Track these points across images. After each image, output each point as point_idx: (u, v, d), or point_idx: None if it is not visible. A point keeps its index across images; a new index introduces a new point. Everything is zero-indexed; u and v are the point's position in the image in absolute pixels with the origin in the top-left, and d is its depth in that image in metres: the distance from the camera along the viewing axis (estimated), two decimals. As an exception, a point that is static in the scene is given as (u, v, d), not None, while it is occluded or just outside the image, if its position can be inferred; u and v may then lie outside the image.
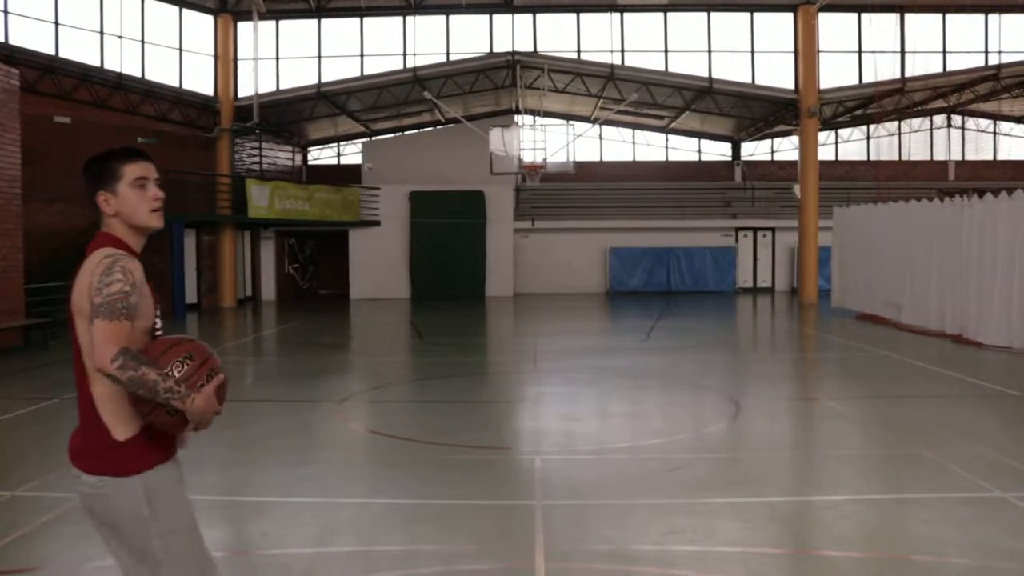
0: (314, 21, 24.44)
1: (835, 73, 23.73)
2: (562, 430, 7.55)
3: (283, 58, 24.57)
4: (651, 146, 29.84)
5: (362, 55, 24.56)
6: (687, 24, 24.34)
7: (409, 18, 24.31)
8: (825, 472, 6.22)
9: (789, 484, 5.93)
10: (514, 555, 4.41)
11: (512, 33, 24.49)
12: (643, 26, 24.46)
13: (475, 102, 26.76)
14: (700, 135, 29.60)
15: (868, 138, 29.43)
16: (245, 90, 23.48)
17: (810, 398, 9.50)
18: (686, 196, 27.84)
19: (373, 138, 29.27)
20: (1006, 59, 23.20)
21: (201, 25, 22.95)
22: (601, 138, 29.61)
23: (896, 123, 28.69)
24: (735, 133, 28.61)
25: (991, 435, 7.03)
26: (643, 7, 24.10)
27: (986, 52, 24.33)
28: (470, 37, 24.68)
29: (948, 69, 23.82)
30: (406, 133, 29.04)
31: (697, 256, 26.32)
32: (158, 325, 2.49)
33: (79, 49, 19.50)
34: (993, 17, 24.56)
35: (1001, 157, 29.56)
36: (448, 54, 24.24)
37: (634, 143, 29.78)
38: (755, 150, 29.62)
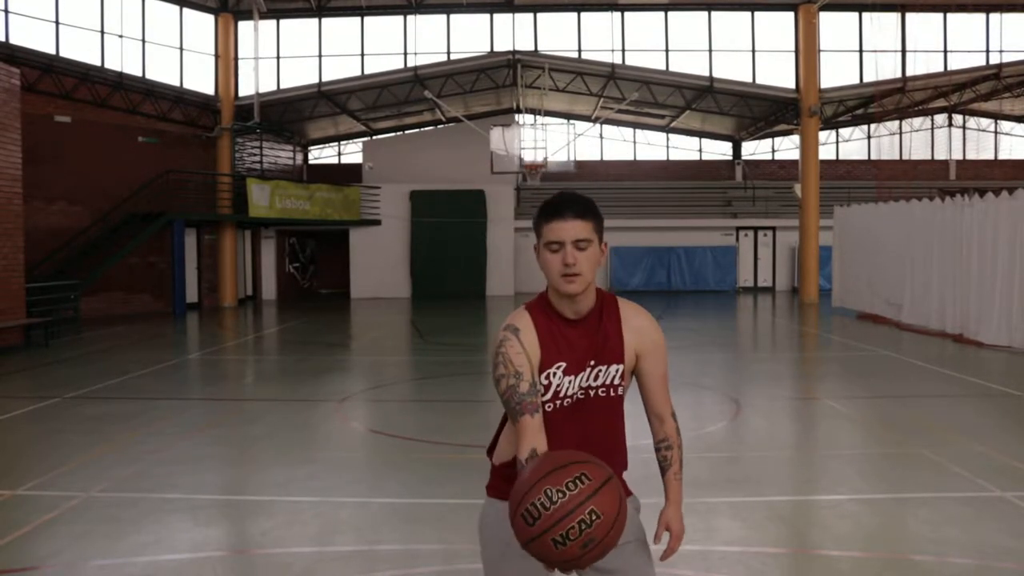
0: (315, 20, 24.45)
1: (836, 72, 23.73)
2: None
3: (284, 57, 24.59)
4: (652, 145, 29.84)
5: (363, 54, 24.57)
6: (688, 23, 24.34)
7: (410, 17, 24.32)
8: (825, 471, 6.21)
9: (789, 483, 5.92)
10: (514, 554, 4.40)
11: (513, 32, 24.49)
12: (644, 25, 24.45)
13: (476, 101, 26.75)
14: (701, 134, 29.60)
15: (869, 137, 29.42)
16: (246, 89, 23.50)
17: (810, 397, 9.49)
18: (687, 195, 27.85)
19: (374, 137, 29.28)
20: (1007, 58, 23.21)
21: (202, 24, 22.96)
22: (602, 137, 29.61)
23: (897, 122, 28.69)
24: (736, 132, 28.61)
25: (992, 434, 7.02)
26: (644, 6, 24.09)
27: (987, 51, 24.33)
28: (471, 36, 24.69)
29: (949, 68, 23.83)
30: (407, 132, 29.04)
31: (698, 255, 26.31)
32: (547, 393, 2.26)
33: (80, 48, 19.52)
34: (994, 16, 24.55)
35: (1002, 156, 29.56)
36: (449, 53, 24.25)
37: (635, 142, 29.78)
38: (756, 149, 29.62)
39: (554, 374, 2.26)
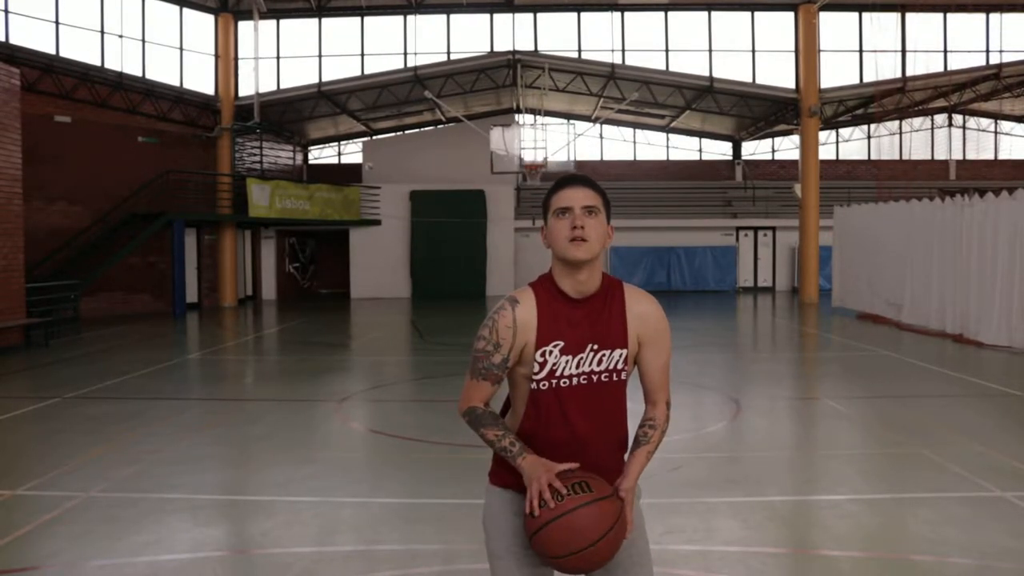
0: (315, 20, 24.46)
1: (836, 72, 23.73)
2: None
3: (284, 57, 24.59)
4: (652, 145, 29.84)
5: (363, 54, 24.57)
6: (688, 23, 24.35)
7: (410, 17, 24.32)
8: (825, 471, 6.22)
9: (789, 483, 5.92)
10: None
11: (513, 32, 24.50)
12: (644, 25, 24.46)
13: (476, 101, 26.76)
14: (701, 134, 29.60)
15: (869, 137, 29.42)
16: (246, 89, 23.50)
17: (810, 397, 9.50)
18: (687, 195, 27.84)
19: (374, 137, 29.28)
20: (1007, 58, 23.21)
21: (202, 24, 22.97)
22: (602, 137, 29.61)
23: (897, 122, 28.69)
24: (736, 132, 28.61)
25: (991, 435, 7.03)
26: (644, 6, 24.09)
27: (987, 51, 24.34)
28: (471, 36, 24.69)
29: (949, 68, 23.83)
30: (407, 132, 29.04)
31: (698, 255, 26.31)
32: (541, 371, 2.25)
33: (79, 48, 19.52)
34: (994, 16, 24.55)
35: (1002, 156, 29.56)
36: (449, 53, 24.25)
37: (635, 142, 29.78)
38: (756, 149, 29.61)
39: (551, 352, 2.24)
